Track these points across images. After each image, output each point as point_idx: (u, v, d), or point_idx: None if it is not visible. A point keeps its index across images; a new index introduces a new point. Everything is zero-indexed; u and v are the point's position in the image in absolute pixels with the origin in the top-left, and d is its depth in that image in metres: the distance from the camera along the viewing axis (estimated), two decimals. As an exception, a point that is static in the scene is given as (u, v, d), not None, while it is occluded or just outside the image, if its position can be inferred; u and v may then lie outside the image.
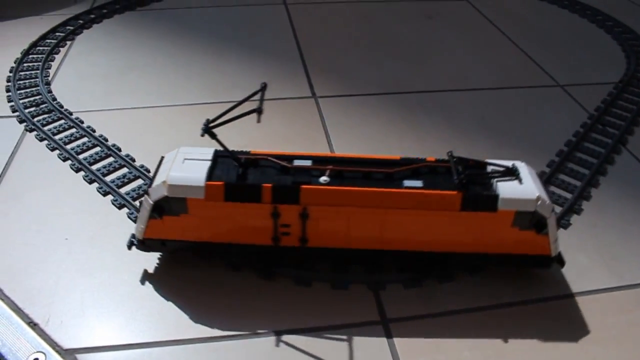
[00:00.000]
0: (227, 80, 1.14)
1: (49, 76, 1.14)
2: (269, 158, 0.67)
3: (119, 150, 0.92)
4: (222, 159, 0.67)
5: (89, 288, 0.69)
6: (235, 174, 0.65)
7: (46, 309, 0.66)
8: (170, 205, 0.65)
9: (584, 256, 0.75)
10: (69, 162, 0.89)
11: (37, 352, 0.61)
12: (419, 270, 0.70)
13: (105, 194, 0.83)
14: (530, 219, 0.64)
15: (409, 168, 0.67)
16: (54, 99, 1.06)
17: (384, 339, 0.64)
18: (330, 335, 0.64)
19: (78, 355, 0.61)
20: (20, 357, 0.61)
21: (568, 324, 0.66)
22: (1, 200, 0.82)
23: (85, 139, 0.94)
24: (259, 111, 0.61)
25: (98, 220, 0.78)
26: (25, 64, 1.17)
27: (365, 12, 1.48)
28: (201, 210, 0.65)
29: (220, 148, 0.67)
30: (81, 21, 1.36)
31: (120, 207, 0.81)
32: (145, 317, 0.65)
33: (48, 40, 1.27)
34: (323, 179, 0.64)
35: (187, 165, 0.65)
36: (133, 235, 0.70)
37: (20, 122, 0.99)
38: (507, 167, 0.66)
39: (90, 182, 0.85)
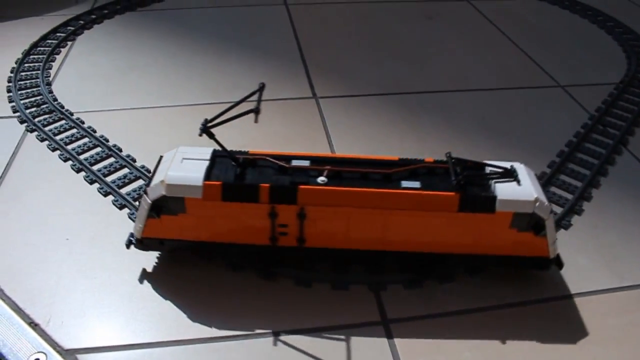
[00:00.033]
0: (228, 80, 1.14)
1: (49, 76, 1.14)
2: (267, 158, 0.67)
3: (120, 150, 0.92)
4: (220, 158, 0.68)
5: (89, 288, 0.69)
6: (233, 173, 0.65)
7: (47, 309, 0.66)
8: (168, 205, 0.65)
9: (584, 257, 0.75)
10: (70, 162, 0.89)
11: (38, 352, 0.61)
12: (417, 271, 0.70)
13: (106, 194, 0.83)
14: (528, 221, 0.64)
15: (407, 169, 0.67)
16: (55, 100, 1.06)
17: (385, 340, 0.64)
18: (330, 336, 0.64)
19: (79, 356, 0.61)
20: (21, 358, 0.61)
21: (569, 324, 0.66)
22: (2, 201, 0.82)
23: (86, 140, 0.94)
24: (256, 111, 0.61)
25: (99, 220, 0.78)
26: (26, 65, 1.17)
27: (366, 12, 1.48)
28: (199, 209, 0.65)
29: (218, 148, 0.67)
30: (82, 21, 1.36)
31: (121, 207, 0.81)
32: (146, 317, 0.65)
33: (49, 41, 1.27)
34: (321, 179, 0.64)
35: (185, 165, 0.66)
36: (132, 234, 0.70)
37: (21, 122, 0.99)
38: (505, 169, 0.66)
39: (91, 182, 0.85)
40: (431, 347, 0.63)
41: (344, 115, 1.04)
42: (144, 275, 0.70)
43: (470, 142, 0.97)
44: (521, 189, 0.64)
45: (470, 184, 0.65)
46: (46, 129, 0.97)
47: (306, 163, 0.67)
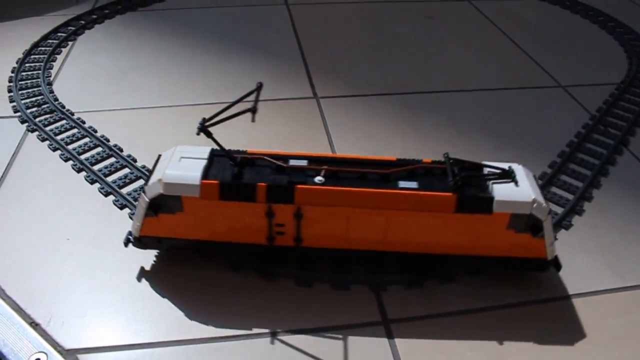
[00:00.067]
0: (229, 80, 1.14)
1: (50, 76, 1.14)
2: (265, 157, 0.67)
3: (121, 150, 0.92)
4: (218, 158, 0.68)
5: (90, 288, 0.69)
6: (231, 173, 0.65)
7: (48, 309, 0.66)
8: (165, 203, 0.65)
9: (585, 257, 0.75)
10: (71, 162, 0.89)
11: (39, 352, 0.61)
12: (415, 271, 0.70)
13: (106, 194, 0.83)
14: (526, 222, 0.64)
15: (404, 169, 0.67)
16: (56, 99, 1.06)
17: (385, 340, 0.64)
18: (331, 336, 0.64)
19: (80, 356, 0.61)
20: (21, 358, 0.61)
21: (569, 325, 0.66)
22: (3, 201, 0.82)
23: (87, 140, 0.94)
24: (253, 110, 0.61)
25: (99, 220, 0.78)
26: (27, 64, 1.17)
27: (367, 12, 1.48)
28: (196, 208, 0.65)
29: (216, 147, 0.67)
30: (83, 21, 1.36)
31: (121, 207, 0.81)
32: (147, 317, 0.65)
33: (50, 41, 1.27)
34: (318, 179, 0.64)
35: (183, 164, 0.66)
36: (130, 233, 0.70)
37: (22, 122, 0.99)
38: (503, 169, 0.66)
39: (92, 182, 0.85)
40: (432, 347, 0.63)
41: (344, 115, 1.04)
42: (145, 276, 0.70)
43: (471, 142, 0.97)
44: (519, 190, 0.64)
45: (467, 185, 0.64)
46: (47, 128, 0.97)
47: (304, 163, 0.67)
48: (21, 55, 1.20)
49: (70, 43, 1.28)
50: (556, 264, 0.69)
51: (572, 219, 0.81)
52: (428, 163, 0.68)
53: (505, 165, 0.67)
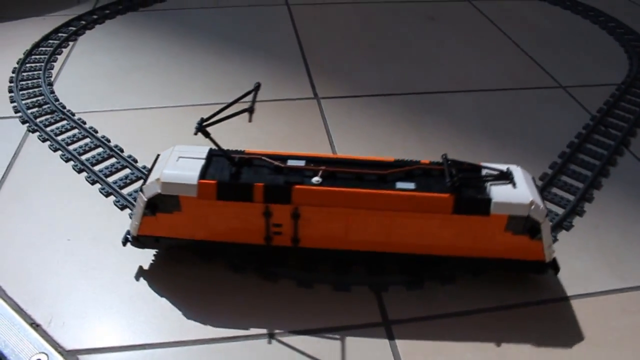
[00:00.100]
0: (230, 81, 1.14)
1: (51, 77, 1.14)
2: (263, 158, 0.67)
3: (122, 151, 0.92)
4: (216, 157, 0.68)
5: (91, 289, 0.69)
6: (229, 173, 0.65)
7: (48, 310, 0.66)
8: (163, 203, 0.65)
9: (586, 258, 0.75)
10: (72, 162, 0.89)
11: (40, 353, 0.61)
12: (412, 272, 0.70)
13: (107, 194, 0.83)
14: (524, 224, 0.64)
15: (402, 170, 0.66)
16: (57, 100, 1.06)
17: (386, 341, 0.64)
18: (332, 337, 0.64)
19: (80, 357, 0.62)
20: (22, 358, 0.61)
21: (570, 326, 0.66)
22: (3, 201, 0.82)
23: (87, 140, 0.94)
24: (250, 111, 0.61)
25: (100, 221, 0.78)
26: (27, 65, 1.17)
27: (367, 13, 1.48)
28: (194, 208, 0.65)
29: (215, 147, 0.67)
30: (83, 22, 1.36)
31: (122, 208, 0.81)
32: (148, 318, 0.66)
33: (50, 41, 1.27)
34: (315, 179, 0.64)
35: (181, 164, 0.66)
36: (128, 232, 0.70)
37: (23, 122, 0.99)
38: (501, 171, 0.66)
39: (93, 183, 0.85)
40: (432, 348, 0.63)
41: (345, 115, 1.04)
42: (145, 276, 0.70)
43: (472, 142, 0.97)
44: (517, 191, 0.64)
45: (465, 186, 0.64)
46: (48, 129, 0.97)
47: (302, 163, 0.67)
48: (22, 56, 1.20)
49: (71, 43, 1.28)
50: (554, 266, 0.68)
51: (573, 220, 0.81)
52: (426, 164, 0.68)
53: (503, 167, 0.67)
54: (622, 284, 0.71)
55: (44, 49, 1.23)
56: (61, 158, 0.90)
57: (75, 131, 0.97)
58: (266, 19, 1.42)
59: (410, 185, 0.64)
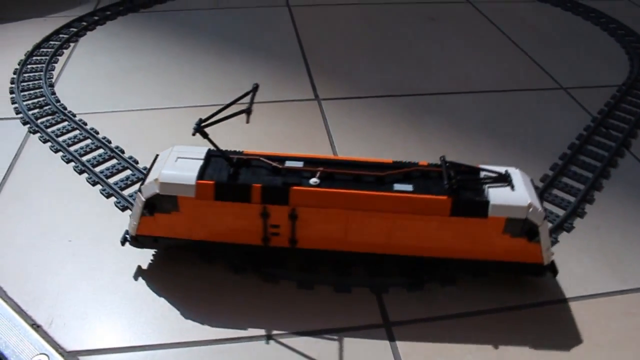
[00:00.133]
0: (231, 82, 1.14)
1: (52, 78, 1.14)
2: (261, 158, 0.67)
3: (122, 152, 0.92)
4: (215, 158, 0.68)
5: (92, 290, 0.69)
6: (227, 173, 0.65)
7: (49, 311, 0.66)
8: (161, 203, 0.65)
9: (587, 259, 0.75)
10: (73, 164, 0.89)
11: (40, 354, 0.61)
12: (412, 274, 0.70)
13: (108, 195, 0.83)
14: (522, 226, 0.64)
15: (400, 172, 0.66)
16: (58, 101, 1.06)
17: (387, 342, 0.64)
18: (333, 338, 0.64)
19: (81, 358, 0.62)
20: (23, 359, 0.61)
21: (571, 327, 0.66)
22: (4, 202, 0.82)
23: (88, 141, 0.95)
24: (248, 112, 0.62)
25: (101, 222, 0.79)
26: (29, 66, 1.17)
27: (368, 14, 1.48)
28: (192, 208, 0.65)
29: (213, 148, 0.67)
30: (84, 23, 1.36)
31: (123, 209, 0.81)
32: (149, 319, 0.66)
33: (51, 42, 1.27)
34: (313, 180, 0.65)
35: (179, 164, 0.66)
36: (127, 232, 0.71)
37: (24, 123, 0.99)
38: (499, 173, 0.65)
39: (94, 184, 0.85)
40: (433, 350, 0.63)
41: (346, 117, 1.04)
42: (146, 277, 0.70)
43: (472, 143, 0.97)
44: (515, 194, 0.63)
45: (463, 188, 0.64)
46: (49, 130, 0.97)
47: (300, 164, 0.67)
48: (23, 57, 1.20)
49: (72, 44, 1.28)
50: (553, 269, 0.68)
51: (574, 221, 0.81)
52: (424, 166, 0.68)
53: (502, 169, 0.67)
54: (623, 285, 0.71)
55: (45, 50, 1.23)
56: (62, 159, 0.91)
57: (76, 132, 0.97)
58: (267, 20, 1.43)
59: (408, 187, 0.64)
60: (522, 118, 1.05)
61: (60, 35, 1.30)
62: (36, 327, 0.64)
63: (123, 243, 0.70)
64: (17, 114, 1.02)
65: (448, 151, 0.94)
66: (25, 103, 1.04)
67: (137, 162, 0.89)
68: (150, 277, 0.71)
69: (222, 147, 0.69)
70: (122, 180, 0.85)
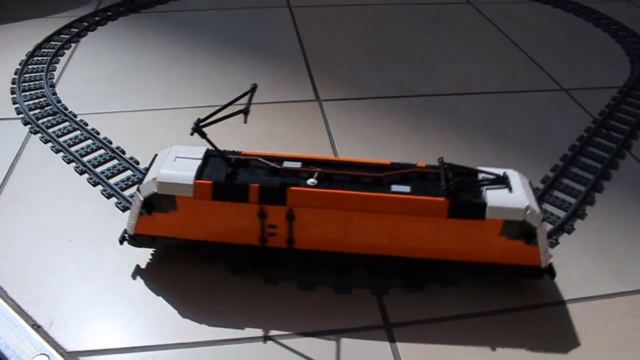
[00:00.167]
0: (232, 82, 1.14)
1: (53, 78, 1.14)
2: (259, 159, 0.67)
3: (123, 152, 0.92)
4: (213, 158, 0.68)
5: (92, 290, 0.69)
6: (225, 173, 0.66)
7: (50, 311, 0.66)
8: (159, 202, 0.65)
9: (588, 260, 0.75)
10: (74, 164, 0.90)
11: (41, 354, 0.61)
12: (410, 275, 0.70)
13: (109, 196, 0.83)
14: (519, 229, 0.63)
15: (398, 173, 0.66)
16: (59, 101, 1.06)
17: (387, 344, 0.64)
18: (333, 339, 0.64)
19: (81, 358, 0.62)
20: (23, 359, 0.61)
21: (572, 329, 0.66)
22: (5, 202, 0.82)
23: (89, 141, 0.95)
24: (245, 112, 0.62)
25: (101, 222, 0.79)
26: (30, 66, 1.17)
27: (369, 15, 1.48)
28: (190, 208, 0.65)
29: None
30: (86, 23, 1.37)
31: (124, 209, 0.81)
32: (149, 320, 0.66)
33: (53, 43, 1.27)
34: (310, 181, 0.65)
35: (178, 164, 0.66)
36: (125, 231, 0.71)
37: (25, 124, 0.99)
38: (497, 175, 0.65)
39: (95, 184, 0.85)
40: (433, 351, 0.63)
41: (346, 117, 1.04)
42: (146, 278, 0.70)
43: (473, 145, 0.97)
44: (513, 196, 0.63)
45: (461, 190, 0.64)
46: (50, 130, 0.97)
47: (298, 165, 0.67)
48: (24, 57, 1.20)
49: (73, 45, 1.28)
50: (551, 272, 0.68)
51: (575, 223, 0.81)
52: (422, 167, 0.68)
53: (500, 171, 0.67)
54: (624, 287, 0.71)
55: (46, 50, 1.23)
56: (63, 159, 0.91)
57: (77, 133, 0.97)
58: (268, 21, 1.43)
59: (406, 189, 0.64)
60: (523, 119, 1.05)
61: (62, 36, 1.30)
62: (37, 327, 0.64)
63: (121, 242, 0.71)
64: (18, 114, 1.02)
65: (448, 152, 0.94)
66: (26, 103, 1.04)
67: (137, 163, 0.90)
68: (150, 277, 0.71)
69: (223, 148, 0.69)
70: (122, 181, 0.85)
